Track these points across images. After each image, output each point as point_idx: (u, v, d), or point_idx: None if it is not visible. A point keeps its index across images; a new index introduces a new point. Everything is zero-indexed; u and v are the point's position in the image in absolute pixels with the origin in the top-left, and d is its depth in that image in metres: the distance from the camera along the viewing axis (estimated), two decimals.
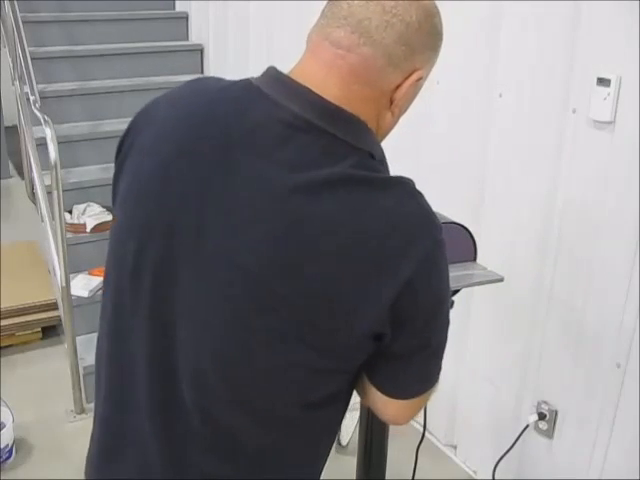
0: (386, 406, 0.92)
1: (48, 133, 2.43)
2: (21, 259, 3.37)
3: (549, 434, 1.97)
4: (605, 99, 1.63)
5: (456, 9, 2.04)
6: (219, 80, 0.92)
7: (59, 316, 2.87)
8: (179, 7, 4.00)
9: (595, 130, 1.69)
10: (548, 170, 1.84)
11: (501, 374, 2.13)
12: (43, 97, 2.99)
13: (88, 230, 2.94)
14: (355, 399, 0.96)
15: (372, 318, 0.79)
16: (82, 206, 3.06)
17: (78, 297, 2.72)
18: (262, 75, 0.87)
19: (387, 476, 1.57)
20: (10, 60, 3.46)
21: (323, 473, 0.99)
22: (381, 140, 0.89)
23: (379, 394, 0.90)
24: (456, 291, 1.38)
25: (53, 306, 2.96)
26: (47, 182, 2.65)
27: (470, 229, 1.39)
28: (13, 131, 4.27)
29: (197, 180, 0.82)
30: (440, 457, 2.37)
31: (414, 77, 0.85)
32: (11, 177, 4.61)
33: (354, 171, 0.79)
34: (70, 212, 3.03)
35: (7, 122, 4.50)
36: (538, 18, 1.80)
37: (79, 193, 3.08)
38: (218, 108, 0.85)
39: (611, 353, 1.74)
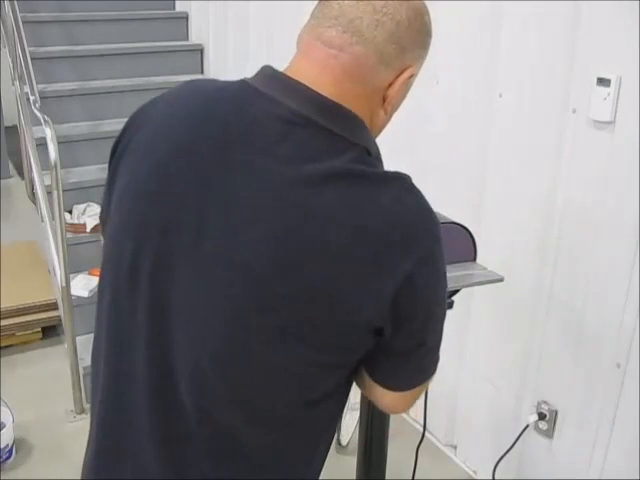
0: (384, 397, 0.94)
1: (48, 133, 2.43)
2: (21, 259, 3.37)
3: (549, 434, 1.97)
4: (605, 99, 1.63)
5: (456, 9, 2.04)
6: (215, 81, 0.93)
7: (59, 316, 2.88)
8: (179, 7, 4.00)
9: (595, 130, 1.69)
10: (548, 170, 1.84)
11: (501, 374, 2.13)
12: (43, 97, 2.99)
13: (88, 230, 2.94)
14: (355, 399, 0.96)
15: (372, 313, 0.79)
16: (82, 206, 3.06)
17: (78, 297, 2.72)
18: (257, 74, 0.88)
19: (387, 476, 1.57)
20: (10, 60, 3.46)
21: (323, 473, 0.99)
22: (374, 138, 0.90)
23: (377, 386, 0.92)
24: (456, 291, 1.38)
25: (53, 306, 2.96)
26: (47, 182, 2.65)
27: (470, 229, 1.39)
28: (13, 131, 4.27)
29: (196, 180, 0.82)
30: (440, 457, 2.37)
31: (405, 75, 0.87)
32: (11, 177, 4.61)
33: (353, 165, 0.80)
34: (70, 212, 3.03)
35: (7, 122, 4.50)
36: (538, 18, 1.80)
37: (79, 193, 3.08)
38: (216, 107, 0.85)
39: (611, 353, 1.74)
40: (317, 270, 0.78)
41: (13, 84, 3.45)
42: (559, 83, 1.76)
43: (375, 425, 1.51)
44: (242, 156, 0.81)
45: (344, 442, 2.32)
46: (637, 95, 1.58)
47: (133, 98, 3.36)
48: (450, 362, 2.26)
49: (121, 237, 0.89)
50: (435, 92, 2.17)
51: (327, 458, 0.98)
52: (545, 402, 1.97)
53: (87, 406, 2.53)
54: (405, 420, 2.50)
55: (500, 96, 1.95)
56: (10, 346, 2.91)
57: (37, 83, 2.99)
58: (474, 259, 1.42)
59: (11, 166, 4.65)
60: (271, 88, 0.84)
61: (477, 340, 2.20)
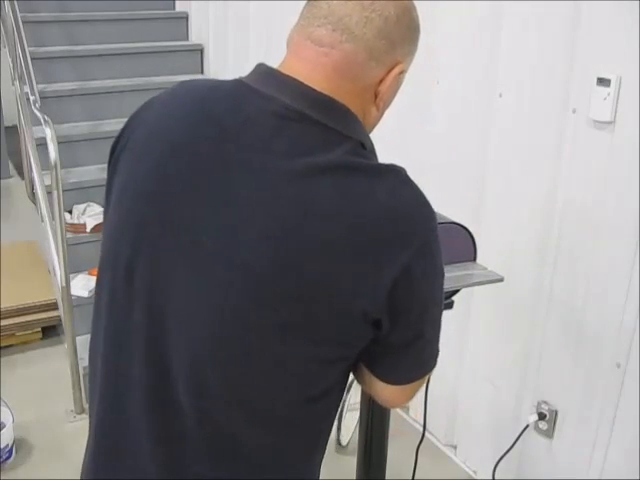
0: (384, 391, 0.94)
1: (48, 133, 2.43)
2: (21, 259, 3.37)
3: (549, 434, 1.97)
4: (605, 99, 1.63)
5: (456, 9, 2.04)
6: (209, 80, 0.94)
7: (59, 316, 2.88)
8: (179, 7, 4.00)
9: (595, 130, 1.69)
10: (548, 170, 1.84)
11: (501, 374, 2.13)
12: (43, 97, 2.99)
13: (88, 230, 2.94)
14: (355, 399, 0.97)
15: (371, 305, 0.80)
16: (82, 206, 3.06)
17: (78, 297, 2.72)
18: (252, 72, 0.88)
19: (387, 476, 1.57)
20: (10, 60, 3.46)
21: (323, 473, 0.99)
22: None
23: (376, 380, 0.92)
24: (456, 291, 1.38)
25: (53, 306, 2.96)
26: (47, 182, 2.65)
27: (470, 229, 1.39)
28: (13, 131, 4.27)
29: (195, 179, 0.83)
30: (440, 457, 2.37)
31: (396, 70, 0.88)
32: (11, 177, 4.61)
33: (348, 157, 0.81)
34: (70, 212, 3.04)
35: (7, 122, 4.50)
36: (538, 18, 1.80)
37: (79, 193, 3.08)
38: (212, 107, 0.86)
39: (611, 353, 1.74)
40: (317, 269, 0.78)
41: (13, 84, 3.45)
42: (559, 83, 1.76)
43: (375, 425, 1.51)
44: (239, 155, 0.82)
45: (344, 442, 2.31)
46: (637, 95, 1.58)
47: (133, 98, 3.36)
48: (450, 362, 2.26)
49: (119, 237, 0.89)
50: (435, 92, 2.17)
51: (327, 458, 0.98)
52: (545, 402, 1.97)
53: (87, 406, 2.51)
54: (405, 420, 2.50)
55: (500, 96, 1.95)
56: (10, 346, 2.91)
57: (37, 83, 2.99)
58: (474, 259, 1.42)
59: (11, 166, 4.65)
60: (265, 85, 0.85)
61: (477, 340, 2.20)
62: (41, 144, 2.75)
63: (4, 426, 2.29)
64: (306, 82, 0.84)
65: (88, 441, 0.97)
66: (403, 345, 0.87)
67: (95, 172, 3.13)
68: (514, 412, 2.09)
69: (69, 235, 2.75)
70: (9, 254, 3.35)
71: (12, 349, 2.90)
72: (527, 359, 2.01)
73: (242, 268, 0.79)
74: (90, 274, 2.88)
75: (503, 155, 1.98)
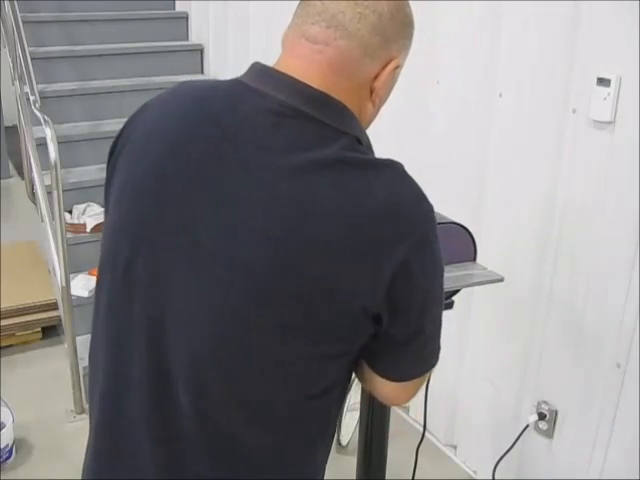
0: (384, 388, 0.94)
1: (48, 133, 2.43)
2: (21, 259, 3.37)
3: (549, 434, 1.97)
4: (605, 99, 1.63)
5: (456, 9, 2.04)
6: (209, 81, 0.96)
7: (59, 316, 2.88)
8: (179, 7, 4.00)
9: (595, 130, 1.69)
10: (548, 170, 1.84)
11: (501, 374, 2.13)
12: (43, 97, 2.99)
13: (88, 230, 2.94)
14: (355, 399, 0.97)
15: (370, 300, 0.80)
16: (82, 206, 3.06)
17: (78, 297, 2.72)
18: (248, 71, 0.89)
19: (387, 476, 1.57)
20: (10, 60, 3.46)
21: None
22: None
23: (377, 377, 0.92)
24: (456, 291, 1.38)
25: (53, 306, 2.96)
26: (47, 182, 2.65)
27: (470, 229, 1.39)
28: (13, 131, 4.27)
29: (194, 179, 0.83)
30: (440, 457, 2.37)
31: (391, 66, 0.88)
32: (11, 177, 4.61)
33: (345, 153, 0.81)
34: (70, 212, 3.04)
35: (7, 122, 4.50)
36: (538, 18, 1.80)
37: (79, 193, 3.08)
38: (210, 106, 0.86)
39: (611, 353, 1.74)
40: (317, 268, 0.78)
41: (13, 84, 3.45)
42: (559, 83, 1.76)
43: (375, 425, 1.51)
44: (238, 153, 0.82)
45: (344, 442, 2.32)
46: (637, 95, 1.58)
47: (133, 98, 3.36)
48: (450, 362, 2.26)
49: (118, 237, 0.89)
50: (435, 92, 2.17)
51: (327, 460, 0.98)
52: (545, 402, 1.97)
53: (87, 406, 2.51)
54: (405, 420, 2.50)
55: (500, 96, 1.95)
56: (10, 346, 2.91)
57: (37, 83, 2.99)
58: (474, 259, 1.42)
59: (11, 166, 4.65)
60: (261, 83, 0.85)
61: (477, 340, 2.20)
62: (41, 144, 2.75)
63: (4, 426, 2.29)
64: (302, 80, 0.84)
65: (89, 441, 0.97)
66: (404, 341, 0.87)
67: (95, 172, 3.13)
68: (514, 412, 2.09)
69: (69, 235, 2.75)
70: (9, 254, 3.35)
71: (12, 349, 2.90)
72: (527, 359, 2.01)
73: (242, 268, 0.79)
74: (90, 274, 2.88)
75: (503, 155, 1.98)
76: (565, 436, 1.94)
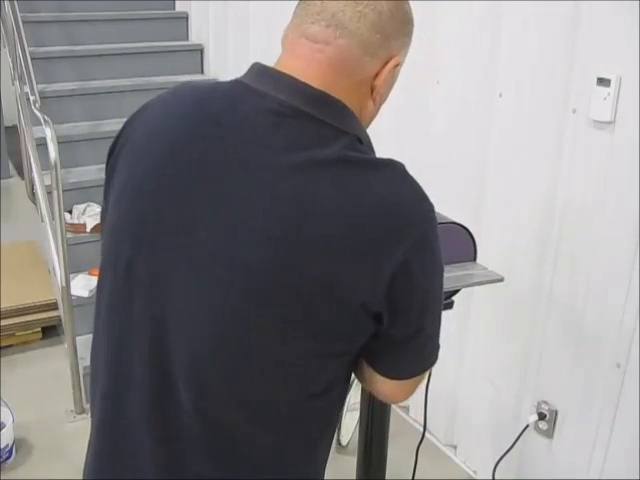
0: (384, 386, 0.94)
1: (48, 133, 2.43)
2: (21, 259, 3.37)
3: (549, 434, 1.97)
4: (605, 99, 1.63)
5: (456, 9, 2.04)
6: (207, 82, 0.95)
7: (59, 316, 2.88)
8: (179, 7, 4.00)
9: (595, 130, 1.69)
10: (548, 170, 1.84)
11: (501, 374, 2.13)
12: (43, 97, 3.00)
13: (88, 230, 2.94)
14: (355, 399, 0.97)
15: (371, 301, 0.80)
16: (82, 206, 3.06)
17: (78, 297, 2.72)
18: (247, 71, 0.89)
19: (387, 476, 1.57)
20: (10, 60, 3.46)
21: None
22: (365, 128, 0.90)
23: (377, 375, 0.92)
24: (456, 291, 1.38)
25: (53, 306, 2.96)
26: (47, 182, 2.65)
27: (470, 229, 1.39)
28: (13, 131, 4.27)
29: (194, 179, 0.83)
30: (440, 457, 2.37)
31: (392, 63, 0.88)
32: (11, 177, 4.61)
33: (346, 152, 0.81)
34: (70, 212, 3.04)
35: (7, 122, 4.50)
36: (538, 18, 1.80)
37: (79, 193, 3.08)
38: (210, 107, 0.86)
39: (611, 353, 1.74)
40: (317, 268, 0.78)
41: (13, 84, 3.45)
42: (559, 83, 1.76)
43: (375, 425, 1.51)
44: (238, 154, 0.82)
45: (344, 442, 2.32)
46: (637, 95, 1.58)
47: (133, 98, 3.36)
48: (450, 362, 2.26)
49: (119, 237, 0.89)
50: (435, 92, 2.17)
51: (328, 459, 0.98)
52: (545, 402, 1.97)
53: (87, 406, 2.53)
54: (405, 420, 2.50)
55: (500, 96, 1.95)
56: (10, 346, 2.91)
57: (37, 83, 3.00)
58: (474, 259, 1.42)
59: (11, 166, 4.65)
60: (261, 83, 0.85)
61: (477, 340, 2.20)
62: (41, 144, 2.75)
63: (4, 426, 2.29)
64: (302, 79, 0.84)
65: (90, 441, 0.97)
66: (404, 341, 0.87)
67: (95, 172, 3.13)
68: (514, 412, 2.09)
69: (69, 235, 2.75)
70: (9, 254, 3.35)
71: (12, 349, 2.90)
72: (527, 359, 2.01)
73: (242, 268, 0.79)
74: (90, 274, 2.88)
75: (503, 155, 1.98)
76: (565, 436, 1.94)
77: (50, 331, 3.01)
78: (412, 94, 2.18)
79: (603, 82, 1.62)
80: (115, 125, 3.24)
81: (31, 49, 3.13)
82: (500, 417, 2.16)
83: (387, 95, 0.93)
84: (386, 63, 0.87)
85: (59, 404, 2.57)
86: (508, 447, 2.03)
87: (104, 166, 0.96)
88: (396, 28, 0.87)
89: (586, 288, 1.78)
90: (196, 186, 0.83)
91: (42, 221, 2.88)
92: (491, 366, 2.16)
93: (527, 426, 2.00)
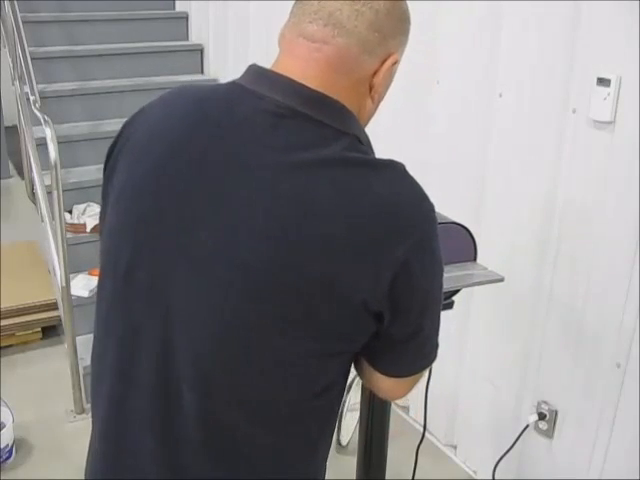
0: (383, 383, 0.95)
1: (48, 133, 2.43)
2: (21, 259, 3.37)
3: (549, 434, 1.97)
4: (605, 99, 1.63)
5: (456, 9, 2.04)
6: (206, 84, 0.95)
7: (59, 316, 2.88)
8: (179, 7, 4.00)
9: (595, 130, 1.69)
10: (548, 170, 1.84)
11: (501, 374, 2.13)
12: (43, 97, 3.00)
13: (88, 230, 2.94)
14: (355, 399, 0.97)
15: (371, 300, 0.80)
16: (82, 206, 3.07)
17: (78, 297, 2.72)
18: (244, 73, 0.89)
19: (387, 476, 1.57)
20: (10, 60, 3.46)
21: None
22: (364, 127, 0.91)
23: (376, 373, 0.93)
24: (456, 291, 1.38)
25: (53, 306, 2.96)
26: (47, 182, 2.65)
27: (470, 229, 1.39)
28: (13, 131, 4.27)
29: (194, 179, 0.83)
30: (440, 457, 2.37)
31: (390, 62, 0.88)
32: (11, 177, 4.61)
33: (346, 153, 0.81)
34: (70, 212, 3.04)
35: (7, 122, 4.50)
36: (538, 18, 1.80)
37: (79, 193, 3.08)
38: (209, 108, 0.87)
39: (611, 353, 1.74)
40: (317, 268, 0.78)
41: (13, 84, 3.45)
42: (559, 83, 1.76)
43: (375, 425, 1.51)
44: (237, 154, 0.82)
45: (344, 442, 2.32)
46: (637, 95, 1.58)
47: (133, 98, 3.36)
48: (450, 362, 2.26)
49: (119, 237, 0.89)
50: (435, 92, 2.17)
51: (327, 458, 0.98)
52: (545, 402, 1.97)
53: (87, 406, 2.53)
54: (405, 420, 2.50)
55: (500, 96, 1.95)
56: (10, 346, 2.91)
57: (37, 83, 3.00)
58: (474, 259, 1.42)
59: (11, 166, 4.65)
60: (258, 85, 0.85)
61: (477, 340, 2.20)
62: (41, 144, 2.75)
63: (4, 426, 2.29)
64: (300, 79, 0.84)
65: (91, 441, 0.97)
66: (404, 340, 0.88)
67: (95, 172, 3.13)
68: (514, 412, 2.09)
69: (69, 235, 2.75)
70: (9, 254, 3.35)
71: (12, 349, 2.90)
72: (527, 359, 2.01)
73: (242, 268, 0.79)
74: (90, 274, 2.88)
75: (503, 155, 1.98)
76: (565, 436, 1.94)
77: (50, 331, 3.01)
78: (412, 94, 2.18)
79: (603, 82, 1.62)
80: (115, 125, 3.24)
81: (31, 49, 3.13)
82: (500, 417, 2.16)
83: (385, 93, 0.93)
84: (384, 61, 0.87)
85: (59, 404, 2.57)
86: (508, 447, 2.03)
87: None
88: (393, 26, 0.87)
89: (586, 288, 1.78)
90: (196, 186, 0.83)
91: (42, 221, 2.88)
92: (491, 366, 2.16)
93: (527, 426, 2.00)
